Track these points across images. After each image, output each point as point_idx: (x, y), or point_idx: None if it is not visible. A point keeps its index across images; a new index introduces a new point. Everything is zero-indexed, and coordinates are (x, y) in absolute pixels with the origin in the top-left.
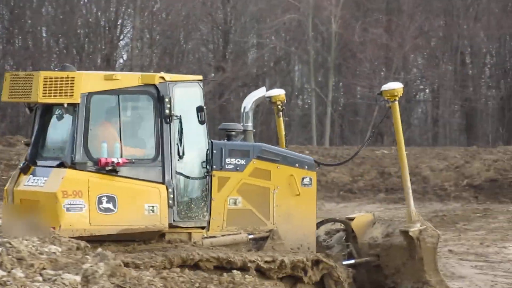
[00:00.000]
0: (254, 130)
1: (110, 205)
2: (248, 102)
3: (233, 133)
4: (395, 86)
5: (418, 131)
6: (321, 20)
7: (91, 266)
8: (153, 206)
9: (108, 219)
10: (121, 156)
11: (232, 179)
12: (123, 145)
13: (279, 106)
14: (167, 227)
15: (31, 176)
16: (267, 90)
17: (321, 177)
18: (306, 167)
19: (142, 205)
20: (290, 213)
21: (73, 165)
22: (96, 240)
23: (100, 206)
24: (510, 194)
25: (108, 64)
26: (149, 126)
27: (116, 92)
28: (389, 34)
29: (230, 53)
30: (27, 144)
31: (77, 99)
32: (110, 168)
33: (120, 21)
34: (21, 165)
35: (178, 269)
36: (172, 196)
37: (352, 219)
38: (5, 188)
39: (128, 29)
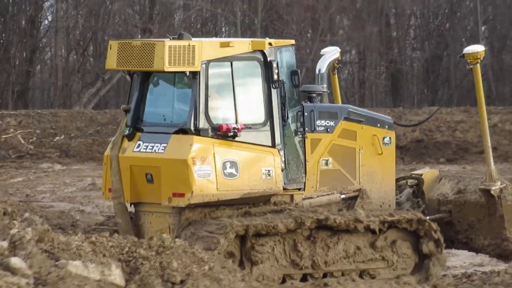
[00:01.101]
0: (328, 91)
1: (233, 170)
2: (323, 65)
3: (314, 94)
4: (478, 49)
5: (344, 93)
6: None
7: (18, 232)
8: (268, 170)
9: (232, 183)
10: (236, 122)
11: (323, 141)
12: (237, 111)
13: (335, 64)
14: (281, 190)
15: (140, 142)
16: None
17: None
18: (387, 126)
19: (260, 169)
20: (373, 172)
21: (197, 132)
22: (211, 205)
23: (225, 171)
24: (435, 155)
25: (33, 26)
26: (258, 91)
27: (230, 59)
28: None
29: (157, 14)
30: (126, 111)
31: (198, 67)
32: (231, 134)
33: None
34: (126, 131)
35: (107, 234)
36: (283, 159)
37: (420, 175)
38: (106, 154)
39: None
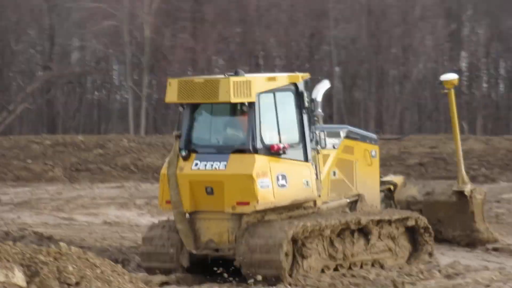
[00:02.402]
0: (323, 114)
1: (284, 182)
2: (317, 94)
3: (316, 118)
4: (454, 77)
5: None
6: (135, 26)
7: None
8: (307, 181)
9: (284, 193)
10: (280, 142)
11: (331, 156)
12: (280, 133)
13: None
14: (317, 197)
15: (197, 161)
16: (90, 87)
17: (137, 162)
18: (373, 142)
19: (301, 180)
20: (365, 180)
21: (255, 151)
22: (264, 211)
23: (278, 183)
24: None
25: None
26: (293, 116)
27: (273, 90)
28: (194, 39)
29: (56, 54)
30: (178, 136)
31: (254, 98)
32: (281, 152)
33: None
34: (183, 153)
35: (11, 242)
36: (315, 171)
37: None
38: (163, 172)
39: None
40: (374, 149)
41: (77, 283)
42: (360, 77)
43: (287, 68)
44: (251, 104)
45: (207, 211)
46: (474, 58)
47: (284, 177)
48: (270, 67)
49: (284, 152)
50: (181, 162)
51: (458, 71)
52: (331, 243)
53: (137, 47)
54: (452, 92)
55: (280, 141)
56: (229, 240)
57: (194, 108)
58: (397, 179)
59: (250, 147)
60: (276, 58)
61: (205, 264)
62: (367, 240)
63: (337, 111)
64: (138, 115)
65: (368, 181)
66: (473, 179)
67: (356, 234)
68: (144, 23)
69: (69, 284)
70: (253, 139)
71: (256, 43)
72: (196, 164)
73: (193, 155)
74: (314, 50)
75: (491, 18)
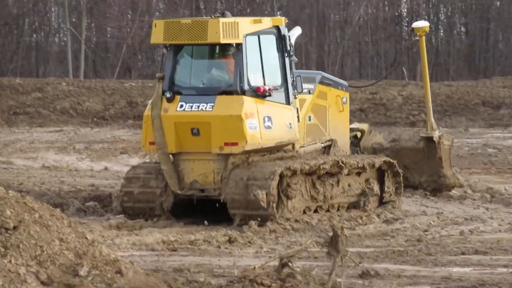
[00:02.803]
0: (297, 60)
1: (270, 124)
2: (292, 40)
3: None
4: (425, 24)
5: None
6: None
7: None
8: (290, 123)
9: (269, 134)
10: (265, 84)
11: (307, 101)
12: (265, 76)
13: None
14: (298, 139)
15: (182, 103)
16: (28, 29)
17: (77, 106)
18: (344, 88)
19: (285, 122)
20: (337, 126)
21: (242, 93)
22: (249, 151)
23: (264, 124)
24: None
25: None
26: (276, 59)
27: (258, 33)
28: None
29: None
30: (161, 78)
31: (241, 40)
32: (267, 94)
33: None
34: (167, 95)
35: None
36: (296, 114)
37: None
38: (146, 114)
39: None
40: (345, 96)
41: (15, 227)
42: (301, 22)
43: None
44: (238, 46)
45: (192, 152)
46: (415, 3)
47: (270, 119)
48: (211, 11)
49: (270, 95)
50: (165, 104)
51: (398, 16)
52: (313, 185)
53: None
54: (423, 39)
55: (264, 84)
56: (215, 181)
57: (178, 49)
58: (363, 126)
59: (238, 89)
60: (217, 2)
61: (187, 208)
62: (345, 183)
63: None
64: (77, 58)
65: (339, 127)
66: (412, 124)
67: (335, 177)
68: None
69: (6, 229)
70: (241, 80)
71: None
72: (181, 106)
73: (178, 97)
74: None
75: None
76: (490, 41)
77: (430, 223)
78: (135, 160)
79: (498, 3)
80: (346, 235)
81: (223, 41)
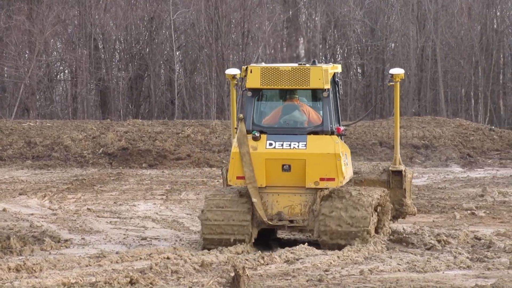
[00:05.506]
0: None
1: (347, 160)
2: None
3: None
4: (401, 71)
5: (59, 107)
6: None
7: None
8: (347, 160)
9: (348, 170)
10: (340, 125)
11: None
12: (338, 117)
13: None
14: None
15: (271, 141)
16: None
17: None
18: None
19: (350, 159)
20: None
21: (332, 133)
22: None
23: (346, 161)
24: (139, 160)
25: None
26: (336, 102)
27: (333, 77)
28: (31, 21)
29: None
30: (241, 119)
31: (329, 84)
32: (343, 134)
33: None
34: (256, 134)
35: None
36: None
37: None
38: (235, 151)
39: None
40: None
41: None
42: (200, 62)
43: (127, 52)
44: (328, 90)
45: (278, 186)
46: (311, 44)
47: (346, 156)
48: (110, 50)
49: (345, 134)
50: (252, 142)
51: (296, 57)
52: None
53: None
54: (398, 84)
55: (340, 125)
56: (301, 212)
57: (256, 93)
58: None
59: (329, 130)
60: (116, 41)
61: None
62: None
63: (178, 95)
64: None
65: None
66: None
67: None
68: None
69: None
70: (330, 122)
71: (95, 25)
72: (271, 144)
73: (264, 136)
74: (154, 34)
75: (327, 5)
76: (385, 82)
77: (331, 263)
78: (34, 201)
79: (393, 44)
80: (247, 275)
81: (325, 86)
